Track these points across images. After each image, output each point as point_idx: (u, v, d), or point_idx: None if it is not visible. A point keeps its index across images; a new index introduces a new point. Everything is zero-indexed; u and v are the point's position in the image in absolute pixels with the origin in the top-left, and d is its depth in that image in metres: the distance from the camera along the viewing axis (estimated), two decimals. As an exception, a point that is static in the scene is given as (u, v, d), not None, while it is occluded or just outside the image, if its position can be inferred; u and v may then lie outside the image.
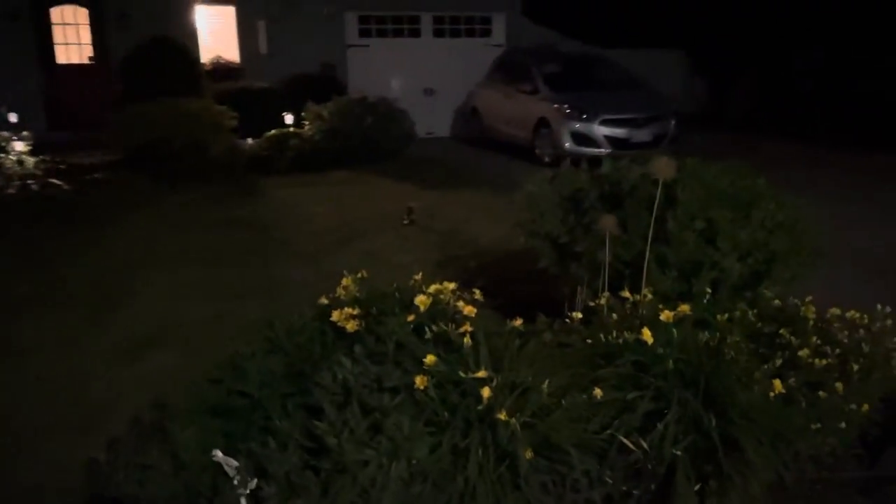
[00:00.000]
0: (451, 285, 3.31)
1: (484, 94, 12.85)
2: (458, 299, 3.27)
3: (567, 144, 10.37)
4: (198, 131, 10.04)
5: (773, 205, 3.44)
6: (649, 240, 3.23)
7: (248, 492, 2.74)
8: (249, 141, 11.21)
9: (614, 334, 2.94)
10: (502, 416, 2.54)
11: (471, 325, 3.05)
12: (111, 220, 7.38)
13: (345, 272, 3.48)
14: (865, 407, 2.97)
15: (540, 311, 3.24)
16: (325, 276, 5.40)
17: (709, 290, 3.28)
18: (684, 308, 2.89)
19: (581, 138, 10.29)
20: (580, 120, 10.28)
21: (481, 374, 2.66)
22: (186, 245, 6.46)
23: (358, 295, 3.44)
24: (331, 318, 3.21)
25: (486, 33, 15.54)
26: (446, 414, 2.66)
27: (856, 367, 3.00)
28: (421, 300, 3.16)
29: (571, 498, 2.63)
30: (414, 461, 2.53)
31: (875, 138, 11.56)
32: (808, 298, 3.35)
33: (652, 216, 3.30)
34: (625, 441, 2.69)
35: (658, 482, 2.72)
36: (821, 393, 2.86)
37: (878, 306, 3.22)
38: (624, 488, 2.70)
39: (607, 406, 2.77)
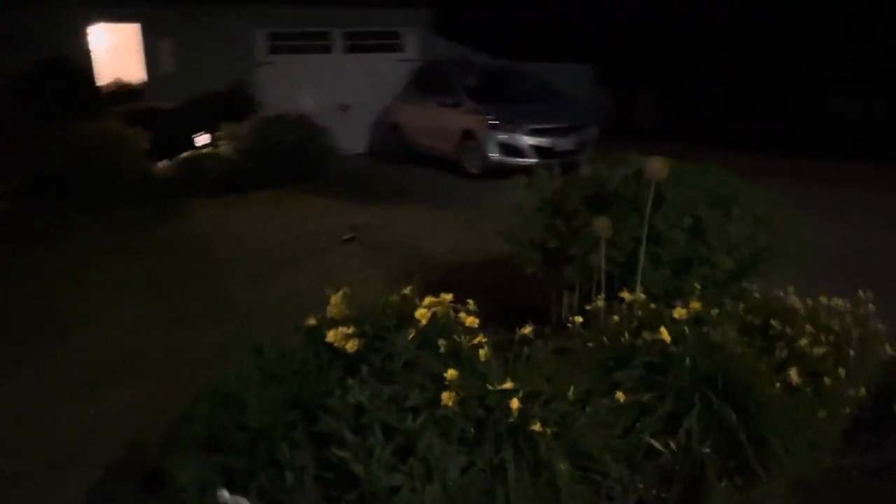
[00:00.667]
0: (449, 297, 3.21)
1: (404, 109, 12.78)
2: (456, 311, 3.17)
3: (494, 155, 10.43)
4: (108, 155, 9.49)
5: (752, 202, 3.51)
6: (644, 240, 3.23)
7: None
8: (163, 163, 10.70)
9: (626, 336, 2.89)
10: (537, 426, 2.44)
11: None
12: (26, 251, 6.83)
13: (329, 291, 3.34)
14: (862, 391, 3.05)
15: (516, 319, 3.16)
16: (281, 298, 5.22)
17: (698, 287, 3.31)
18: (695, 305, 2.89)
19: (508, 149, 10.37)
20: (506, 131, 10.37)
21: (508, 385, 2.56)
22: (122, 273, 6.06)
23: (349, 313, 3.28)
24: (326, 339, 3.05)
25: (398, 48, 15.48)
26: (472, 430, 2.54)
27: (851, 353, 3.08)
28: (421, 314, 3.05)
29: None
30: (448, 482, 2.39)
31: (775, 142, 12.25)
32: (791, 289, 3.43)
33: (642, 217, 3.31)
34: (654, 443, 2.65)
35: (687, 483, 2.69)
36: (826, 380, 2.91)
37: (861, 293, 3.32)
38: (654, 492, 2.66)
39: (627, 410, 2.73)
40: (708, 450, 2.65)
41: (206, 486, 2.64)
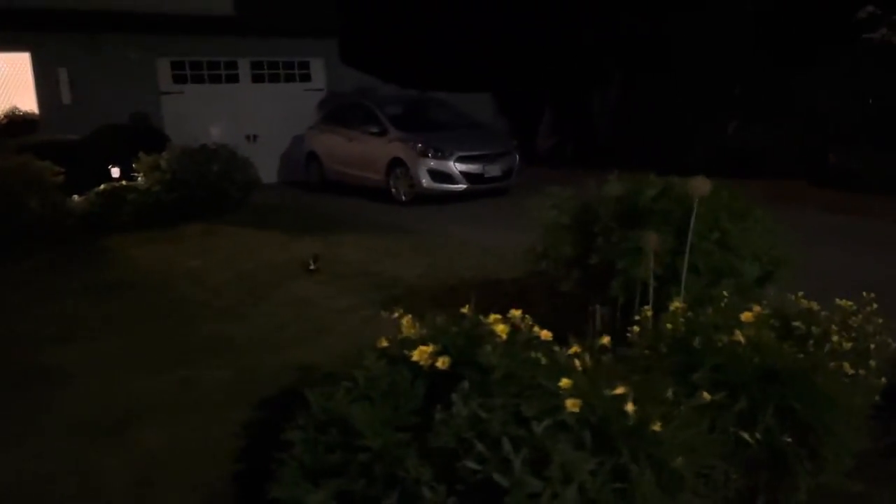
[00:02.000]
0: (518, 312, 3.31)
1: (321, 138, 12.72)
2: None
3: (424, 182, 10.59)
4: (17, 190, 8.87)
5: (760, 214, 3.85)
6: (686, 252, 3.47)
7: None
8: (76, 198, 10.10)
9: (697, 341, 3.10)
10: (657, 427, 2.59)
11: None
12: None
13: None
14: (883, 380, 3.41)
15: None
16: (270, 330, 5.13)
17: (726, 294, 3.59)
18: (758, 309, 3.14)
19: (438, 175, 10.56)
20: (436, 158, 10.56)
21: (620, 390, 2.69)
22: (82, 315, 5.67)
23: (423, 332, 3.32)
24: (411, 359, 3.08)
25: (306, 78, 15.45)
26: (590, 434, 2.65)
27: (873, 346, 3.44)
28: (502, 329, 3.14)
29: (713, 498, 2.74)
30: (586, 486, 2.49)
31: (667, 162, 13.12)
32: (801, 293, 3.77)
33: (677, 231, 3.56)
34: (744, 436, 2.85)
35: (772, 471, 2.92)
36: (861, 371, 3.24)
37: (864, 293, 3.71)
38: (745, 482, 2.86)
39: (707, 408, 2.92)
40: (789, 439, 2.88)
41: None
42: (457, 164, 10.57)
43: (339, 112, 12.80)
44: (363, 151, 11.60)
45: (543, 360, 2.89)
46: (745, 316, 3.09)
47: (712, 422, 2.93)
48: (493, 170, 10.82)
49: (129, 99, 13.01)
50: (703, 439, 2.75)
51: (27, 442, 3.56)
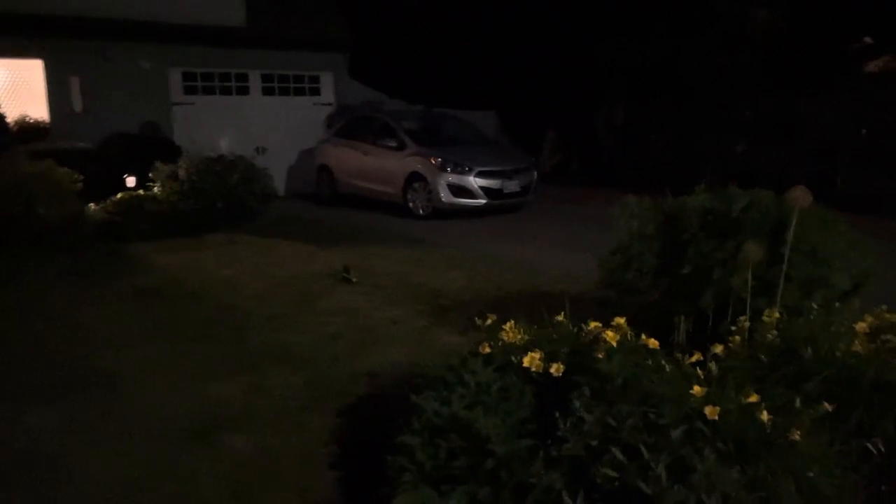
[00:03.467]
0: (622, 320, 3.29)
1: (334, 152, 12.68)
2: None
3: (444, 196, 10.58)
4: (38, 197, 8.74)
5: (845, 228, 3.88)
6: (785, 262, 3.48)
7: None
8: (92, 206, 9.97)
9: (809, 350, 3.09)
10: (796, 436, 2.58)
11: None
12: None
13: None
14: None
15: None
16: (323, 339, 5.07)
17: (815, 306, 3.60)
18: (870, 320, 3.14)
19: (458, 190, 10.56)
20: (456, 173, 10.56)
21: (753, 398, 2.68)
22: (121, 321, 5.57)
23: (526, 339, 3.30)
24: (523, 365, 3.05)
25: (315, 92, 15.43)
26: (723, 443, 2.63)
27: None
28: (611, 336, 3.12)
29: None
30: (730, 493, 2.46)
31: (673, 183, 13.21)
32: (884, 307, 3.79)
33: (771, 241, 3.57)
34: (870, 447, 2.85)
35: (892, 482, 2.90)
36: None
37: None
38: (872, 489, 2.85)
39: (824, 419, 2.91)
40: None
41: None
42: (477, 179, 10.58)
43: (353, 126, 12.77)
44: (379, 165, 11.57)
45: (668, 367, 2.87)
46: (860, 326, 3.09)
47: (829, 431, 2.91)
48: (512, 185, 10.85)
49: (140, 108, 12.92)
50: (831, 449, 2.74)
51: (116, 448, 3.47)
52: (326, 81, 15.50)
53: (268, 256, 8.02)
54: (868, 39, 14.70)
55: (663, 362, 2.94)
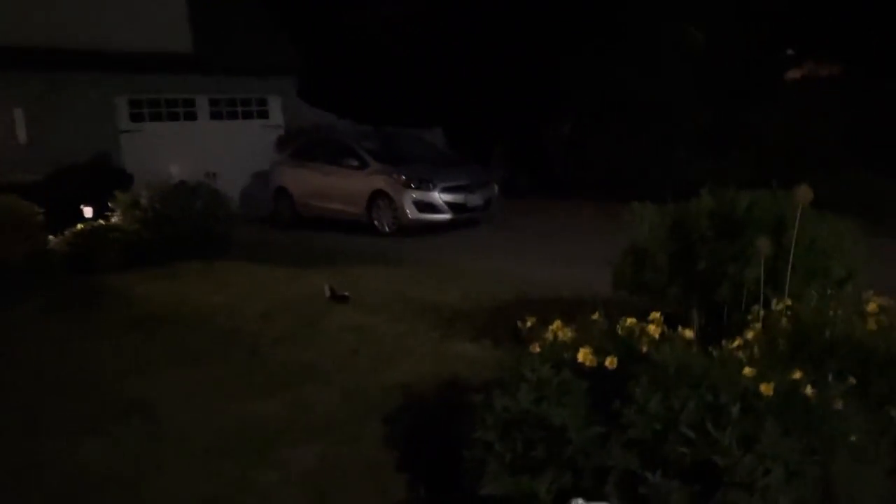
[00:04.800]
0: (657, 314, 3.58)
1: (292, 173, 12.73)
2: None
3: (410, 212, 10.80)
4: (5, 231, 8.56)
5: (833, 220, 4.31)
6: (791, 256, 3.86)
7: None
8: (51, 238, 9.76)
9: (827, 332, 3.46)
10: (839, 405, 2.92)
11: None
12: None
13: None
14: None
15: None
16: (341, 356, 5.20)
17: (815, 293, 4.00)
18: (880, 301, 3.54)
19: (424, 206, 10.80)
20: (420, 189, 10.80)
21: (797, 374, 3.02)
22: (131, 350, 5.55)
23: (574, 336, 3.55)
24: (577, 360, 3.30)
25: (263, 115, 15.47)
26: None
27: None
28: (653, 329, 3.42)
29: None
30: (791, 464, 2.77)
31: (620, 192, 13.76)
32: (871, 291, 4.22)
33: (774, 236, 3.95)
34: (893, 415, 3.22)
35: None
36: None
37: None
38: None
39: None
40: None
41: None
42: (441, 195, 10.85)
43: (310, 147, 12.86)
44: (341, 185, 11.70)
45: (715, 353, 3.18)
46: (870, 307, 3.48)
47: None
48: (475, 200, 11.17)
49: (87, 138, 12.69)
50: (865, 417, 3.09)
51: (182, 467, 3.55)
52: (275, 104, 15.55)
53: (251, 281, 8.05)
54: (790, 51, 15.75)
55: (710, 349, 3.26)
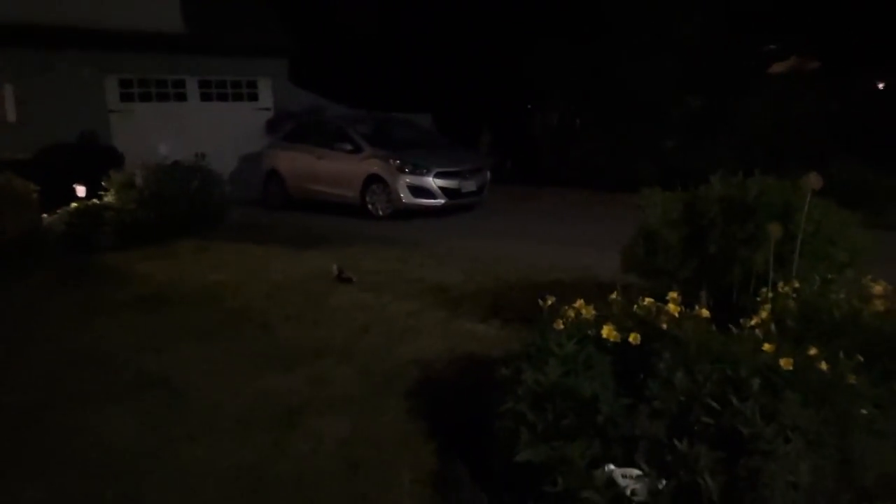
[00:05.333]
0: (675, 294, 3.73)
1: (284, 156, 12.74)
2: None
3: (404, 197, 10.88)
4: (2, 210, 8.54)
5: (835, 207, 4.49)
6: (798, 240, 4.04)
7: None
8: (45, 217, 9.74)
9: (836, 313, 3.63)
10: (852, 380, 3.10)
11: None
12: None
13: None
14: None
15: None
16: (353, 333, 5.31)
17: (818, 277, 4.18)
18: (885, 285, 3.72)
19: (418, 191, 10.89)
20: (415, 174, 10.88)
21: (813, 351, 3.18)
22: (141, 327, 5.60)
23: (595, 314, 3.69)
24: (602, 336, 3.44)
25: (253, 97, 15.42)
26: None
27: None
28: (673, 308, 3.57)
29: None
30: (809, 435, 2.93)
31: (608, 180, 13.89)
32: (870, 276, 4.41)
33: (781, 222, 4.12)
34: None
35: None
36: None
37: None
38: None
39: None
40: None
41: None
42: (436, 180, 10.94)
43: (303, 130, 12.87)
44: (335, 169, 11.74)
45: (736, 331, 3.34)
46: (877, 290, 3.66)
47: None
48: (469, 185, 11.27)
49: (76, 117, 12.60)
50: (875, 392, 3.27)
51: (215, 438, 3.64)
52: (265, 87, 15.51)
53: (251, 261, 8.10)
54: (773, 46, 16.01)
55: (730, 327, 3.42)
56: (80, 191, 10.56)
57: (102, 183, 10.33)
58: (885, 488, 3.14)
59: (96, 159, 11.85)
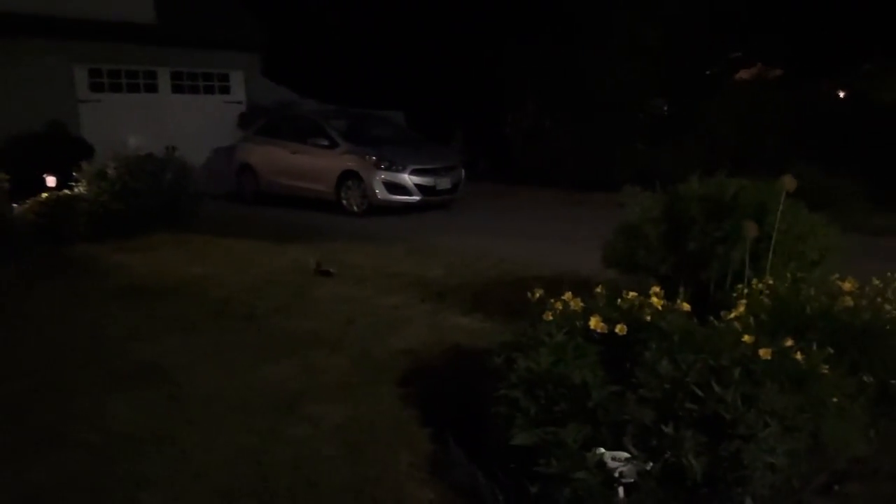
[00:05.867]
0: (657, 288, 3.91)
1: (258, 151, 12.72)
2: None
3: (380, 193, 10.97)
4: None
5: (805, 208, 4.73)
6: (773, 240, 4.26)
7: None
8: (14, 206, 9.61)
9: (808, 308, 3.85)
10: (824, 370, 3.31)
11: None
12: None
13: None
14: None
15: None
16: (338, 324, 5.40)
17: (789, 275, 4.41)
18: (853, 281, 3.95)
19: (393, 187, 10.99)
20: (391, 170, 10.98)
21: (789, 342, 3.39)
22: (126, 318, 5.61)
23: (583, 306, 3.85)
24: (589, 327, 3.61)
25: (225, 90, 15.34)
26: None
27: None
28: (657, 301, 3.75)
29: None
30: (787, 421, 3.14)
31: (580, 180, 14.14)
32: (837, 275, 4.66)
33: (756, 221, 4.34)
34: (865, 379, 3.64)
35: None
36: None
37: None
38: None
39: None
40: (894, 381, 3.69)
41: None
42: (412, 177, 11.05)
43: (277, 124, 12.87)
44: (310, 164, 11.77)
45: (717, 324, 3.53)
46: (846, 286, 3.89)
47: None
48: (444, 182, 11.41)
49: (45, 107, 12.40)
50: (847, 381, 3.49)
51: (213, 424, 3.71)
52: (237, 80, 15.43)
53: (229, 254, 8.13)
54: (738, 53, 16.45)
55: (711, 319, 3.61)
56: (51, 181, 10.46)
57: (73, 174, 10.21)
58: (855, 471, 3.37)
59: (66, 150, 11.72)
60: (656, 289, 3.86)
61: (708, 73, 15.05)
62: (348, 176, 11.28)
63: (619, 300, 3.84)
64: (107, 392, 4.14)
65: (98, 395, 4.08)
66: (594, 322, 3.60)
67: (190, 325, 5.46)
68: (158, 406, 3.95)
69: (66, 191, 10.07)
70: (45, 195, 9.76)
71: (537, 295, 4.04)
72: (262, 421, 3.74)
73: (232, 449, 3.45)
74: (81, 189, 10.07)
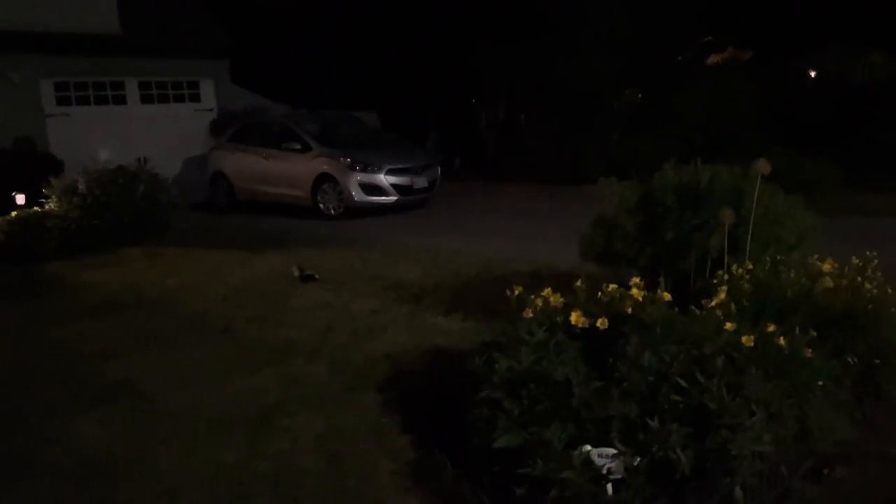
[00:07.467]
0: (637, 279, 3.86)
1: (231, 158, 12.56)
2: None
3: (356, 195, 10.87)
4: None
5: (782, 192, 4.70)
6: (751, 225, 4.22)
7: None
8: (-21, 225, 9.41)
9: (789, 291, 3.82)
10: (809, 353, 3.27)
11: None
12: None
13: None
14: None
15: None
16: (319, 332, 5.33)
17: (768, 259, 4.38)
18: (832, 263, 3.92)
19: (370, 188, 10.88)
20: (366, 171, 10.88)
21: (771, 328, 3.35)
22: (99, 334, 5.49)
23: (563, 301, 3.79)
24: (570, 322, 3.54)
25: (195, 98, 15.13)
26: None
27: (890, 291, 4.34)
28: (637, 293, 3.70)
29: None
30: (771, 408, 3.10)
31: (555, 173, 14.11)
32: (816, 256, 4.63)
33: (733, 208, 4.30)
34: (849, 360, 3.61)
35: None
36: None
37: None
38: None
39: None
40: (878, 361, 3.67)
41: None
42: (388, 177, 10.95)
43: (248, 131, 12.70)
44: (283, 169, 11.63)
45: (698, 313, 3.48)
46: (825, 268, 3.86)
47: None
48: (421, 181, 11.32)
49: (10, 122, 12.15)
50: (831, 364, 3.46)
51: (190, 441, 3.61)
52: (207, 87, 15.23)
53: (204, 265, 7.98)
54: (709, 38, 16.48)
55: (693, 308, 3.57)
56: (20, 199, 10.24)
57: (43, 191, 10.01)
58: (842, 455, 3.33)
59: (34, 166, 11.48)
60: (636, 280, 3.81)
61: (680, 58, 15.04)
62: (324, 179, 11.16)
63: (599, 293, 3.78)
64: (79, 413, 4.02)
65: (70, 417, 3.96)
66: (575, 317, 3.54)
67: (165, 340, 5.34)
68: (133, 426, 3.85)
69: (37, 208, 9.87)
70: (14, 213, 9.56)
71: (517, 292, 3.98)
72: (240, 435, 3.64)
73: (209, 467, 3.35)
74: (52, 205, 9.88)
